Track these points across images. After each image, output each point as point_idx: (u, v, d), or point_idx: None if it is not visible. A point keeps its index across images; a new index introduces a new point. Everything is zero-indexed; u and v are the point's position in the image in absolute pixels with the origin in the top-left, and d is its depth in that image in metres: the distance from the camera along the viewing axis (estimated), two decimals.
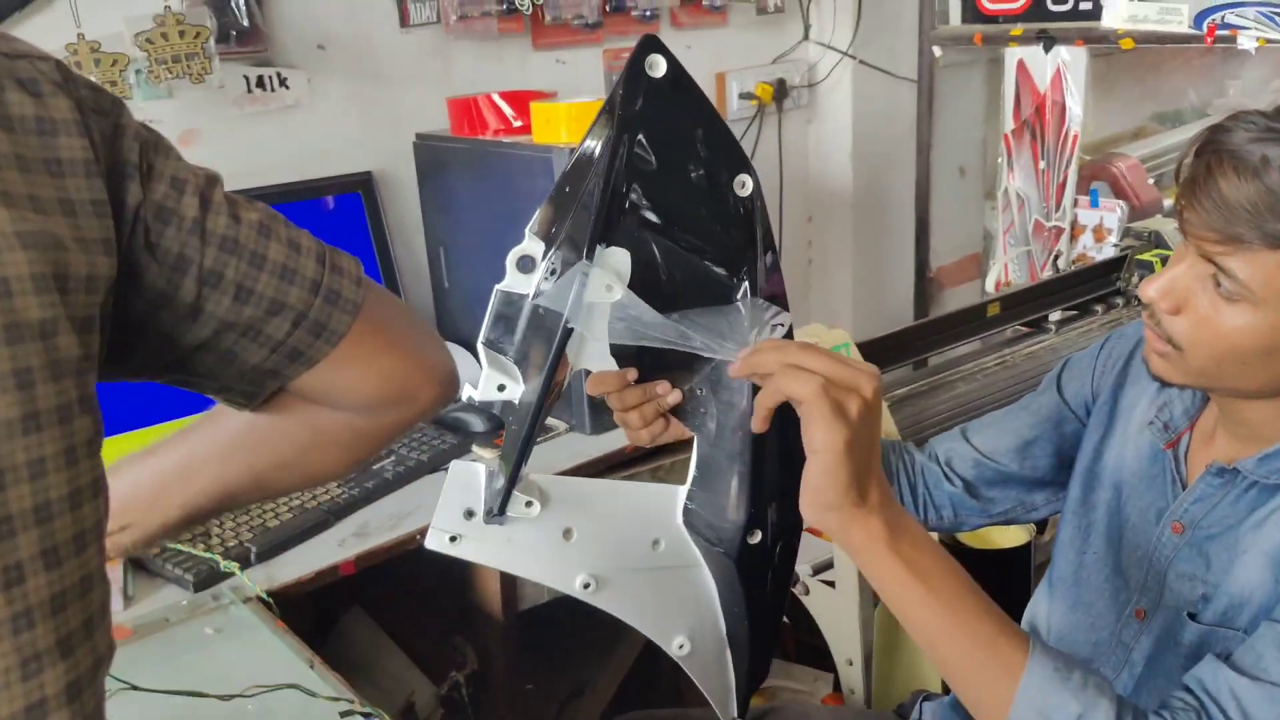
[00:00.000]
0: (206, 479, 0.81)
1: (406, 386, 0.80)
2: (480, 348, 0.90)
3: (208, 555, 1.40)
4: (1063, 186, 2.44)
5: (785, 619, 2.16)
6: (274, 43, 1.80)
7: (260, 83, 1.80)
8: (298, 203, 1.85)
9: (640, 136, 0.88)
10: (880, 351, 1.76)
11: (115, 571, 1.37)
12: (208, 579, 1.37)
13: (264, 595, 1.35)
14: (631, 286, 0.90)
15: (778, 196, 2.57)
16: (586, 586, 0.90)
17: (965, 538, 1.80)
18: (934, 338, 1.87)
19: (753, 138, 2.49)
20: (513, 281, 0.89)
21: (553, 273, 0.88)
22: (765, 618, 0.98)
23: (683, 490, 0.95)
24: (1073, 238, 2.44)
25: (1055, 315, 2.04)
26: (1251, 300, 0.90)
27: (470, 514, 0.89)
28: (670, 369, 0.98)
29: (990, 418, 1.27)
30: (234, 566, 1.38)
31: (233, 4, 1.68)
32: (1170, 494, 1.07)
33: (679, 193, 0.91)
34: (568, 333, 0.88)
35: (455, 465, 0.90)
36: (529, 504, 0.89)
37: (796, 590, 1.83)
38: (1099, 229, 2.40)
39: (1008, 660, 0.84)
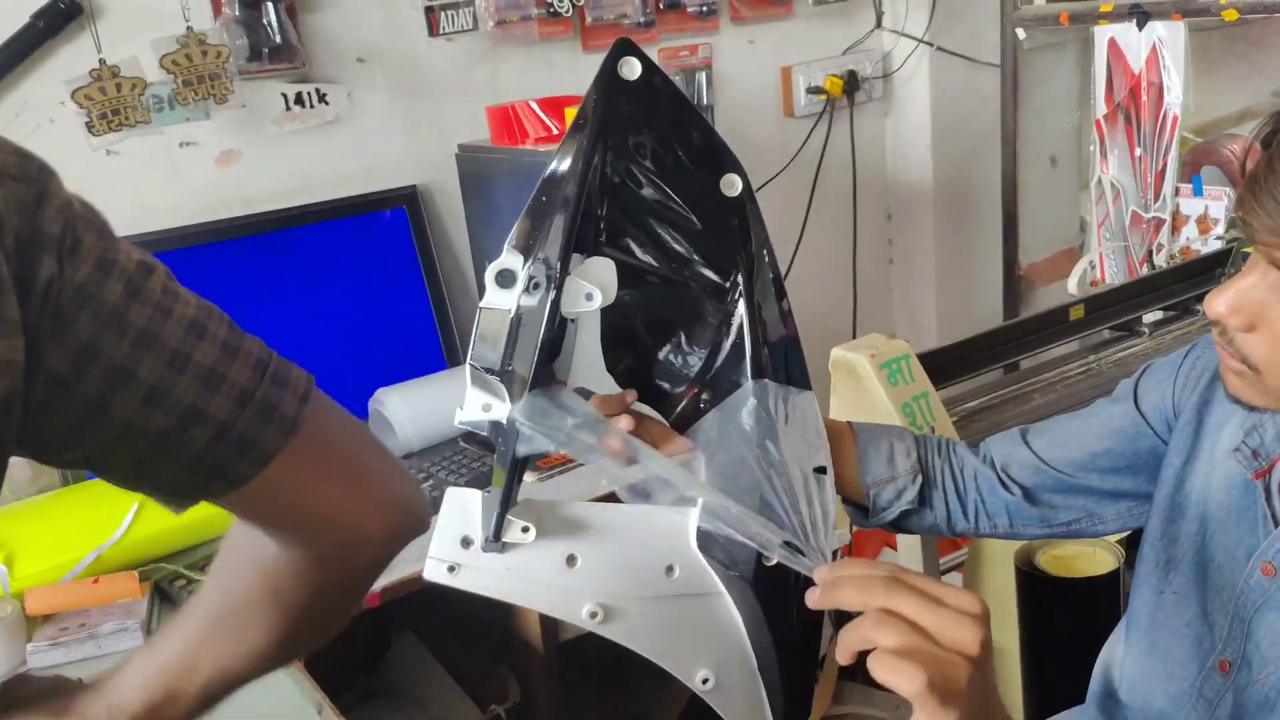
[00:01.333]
0: (205, 664, 0.76)
1: (352, 523, 0.71)
2: (467, 368, 0.88)
3: None
4: (1162, 174, 2.26)
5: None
6: (311, 58, 1.78)
7: (299, 99, 1.77)
8: (342, 219, 1.83)
9: (617, 141, 0.85)
10: (946, 363, 1.64)
11: (141, 605, 1.35)
12: None
13: None
14: (617, 297, 0.87)
15: (851, 194, 2.45)
16: (594, 616, 0.85)
17: (1047, 564, 1.67)
18: (1004, 347, 1.72)
19: (822, 134, 2.37)
20: (493, 298, 0.86)
21: (536, 286, 0.84)
22: (798, 649, 0.91)
23: (695, 512, 0.90)
24: (1174, 230, 2.25)
25: (1151, 316, 1.88)
26: None
27: (468, 542, 0.86)
28: (671, 381, 0.97)
29: (1055, 421, 1.14)
30: None
31: (265, 21, 1.66)
32: (1261, 531, 0.94)
33: (662, 197, 0.88)
34: (547, 347, 0.84)
35: (451, 492, 0.87)
36: (525, 529, 0.85)
37: None
38: (1203, 220, 2.21)
39: None
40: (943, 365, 1.62)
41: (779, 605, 0.89)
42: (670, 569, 0.88)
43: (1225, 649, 0.96)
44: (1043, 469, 1.10)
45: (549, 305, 0.83)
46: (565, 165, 0.85)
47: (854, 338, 2.06)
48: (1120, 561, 1.62)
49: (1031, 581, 1.63)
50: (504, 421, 0.86)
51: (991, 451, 1.13)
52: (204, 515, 1.45)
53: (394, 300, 1.86)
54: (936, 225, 2.56)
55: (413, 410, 1.61)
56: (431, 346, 1.82)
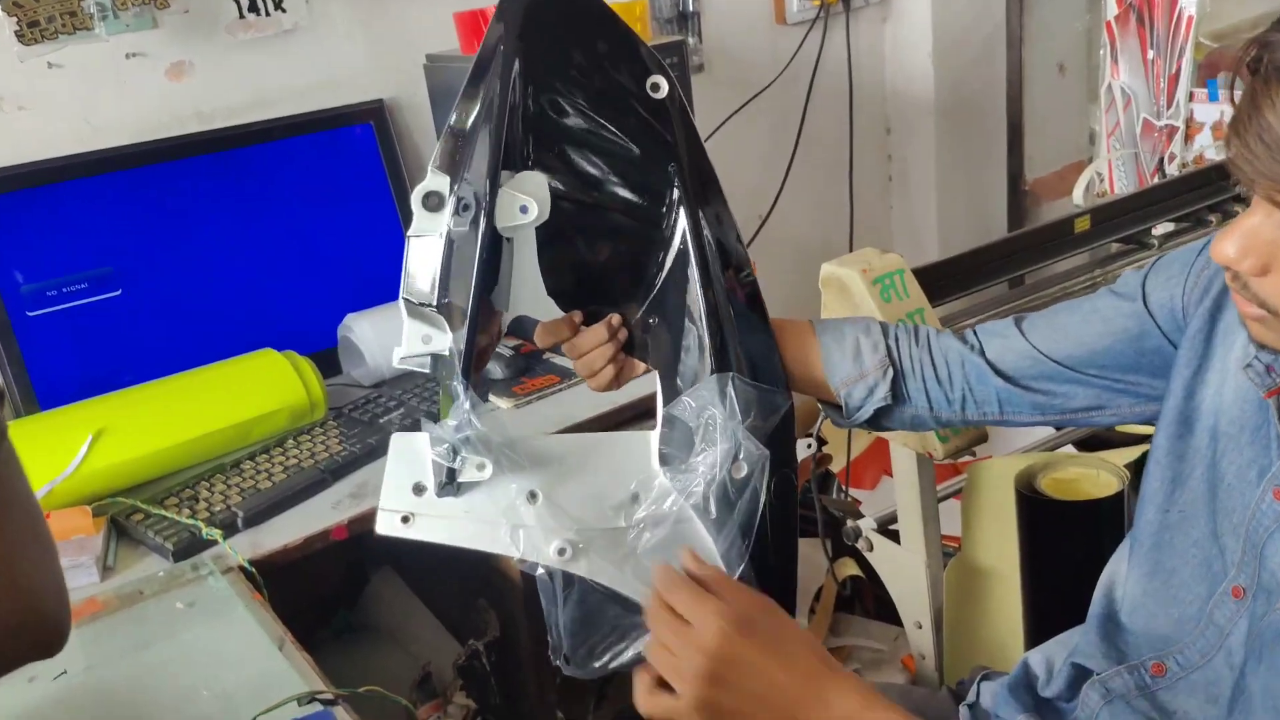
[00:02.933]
0: None
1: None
2: (400, 303, 0.86)
3: (190, 521, 1.33)
4: (1175, 79, 2.17)
5: (861, 573, 2.03)
6: None
7: (253, 7, 1.69)
8: (306, 136, 1.76)
9: (533, 53, 0.83)
10: (944, 278, 1.57)
11: (95, 540, 1.31)
12: (188, 548, 1.31)
13: (246, 564, 1.28)
14: (551, 219, 0.86)
15: (848, 107, 2.37)
16: (562, 553, 0.85)
17: (1049, 488, 1.63)
18: (1005, 261, 1.62)
19: (816, 42, 2.29)
20: (422, 224, 0.85)
21: (465, 208, 0.83)
22: (774, 571, 0.91)
23: (655, 434, 0.90)
24: (1188, 138, 2.18)
25: (1161, 228, 1.81)
26: None
27: (420, 489, 0.85)
28: (615, 302, 0.94)
29: (1053, 313, 1.07)
30: (217, 533, 1.31)
31: None
32: (1274, 451, 0.89)
33: (585, 105, 0.85)
34: (486, 270, 0.83)
35: (396, 438, 0.86)
36: (480, 466, 0.83)
37: (860, 545, 1.68)
38: (1219, 126, 2.13)
39: None
40: (941, 280, 1.53)
41: (748, 520, 0.88)
42: (635, 496, 0.86)
43: (1239, 574, 0.91)
44: (1041, 360, 1.05)
45: (483, 223, 0.81)
46: (484, 77, 0.83)
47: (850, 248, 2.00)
48: (1125, 484, 1.57)
49: (1032, 505, 1.58)
50: (446, 353, 0.85)
51: (981, 340, 1.07)
52: (162, 448, 1.42)
53: (362, 222, 1.80)
54: (938, 138, 2.48)
55: (383, 336, 1.56)
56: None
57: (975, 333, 1.07)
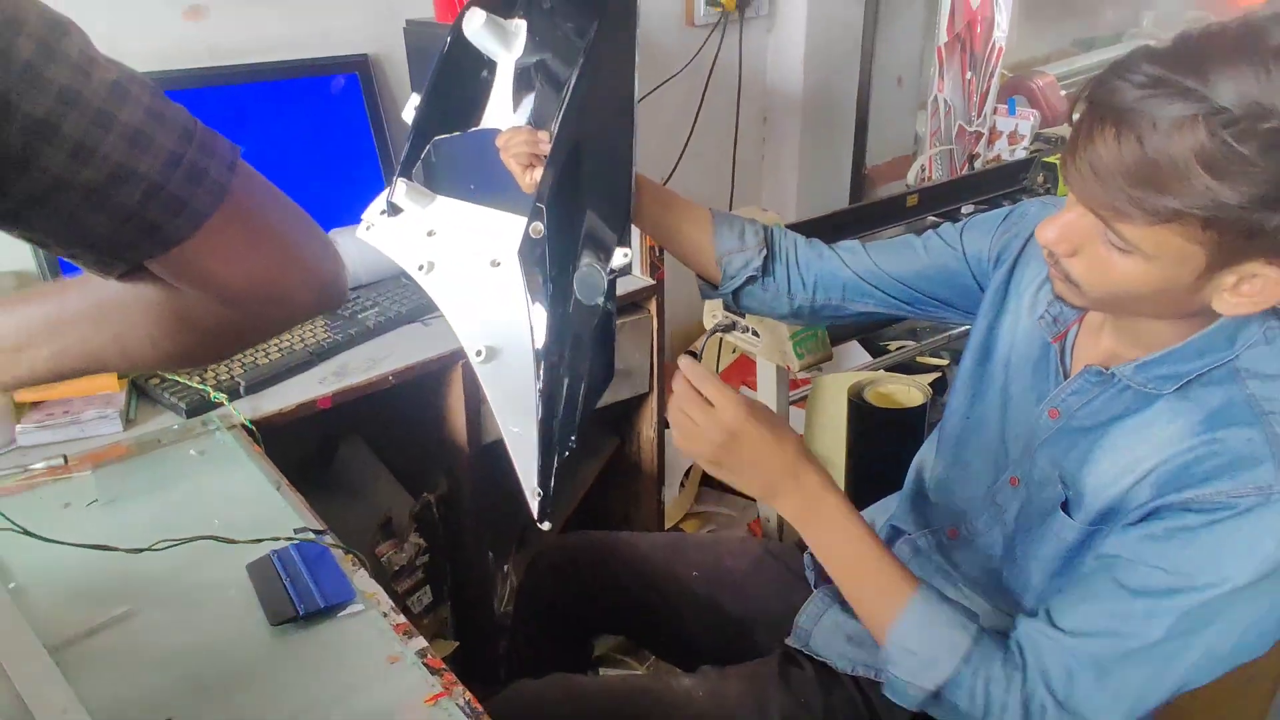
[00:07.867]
0: (73, 339, 0.64)
1: (277, 285, 0.62)
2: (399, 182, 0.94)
3: (200, 386, 1.28)
4: (985, 96, 2.24)
5: None
6: None
7: None
8: (296, 79, 1.67)
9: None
10: (810, 231, 1.60)
11: (119, 396, 1.26)
12: (199, 407, 1.26)
13: (247, 423, 1.24)
14: None
15: (736, 98, 2.37)
16: (421, 268, 0.90)
17: (873, 398, 1.70)
18: (855, 224, 1.70)
19: (715, 44, 2.27)
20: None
21: None
22: (580, 370, 0.83)
23: (527, 224, 0.84)
24: (990, 142, 2.26)
25: (968, 209, 1.89)
26: (1143, 255, 0.74)
27: (384, 210, 0.96)
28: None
29: (890, 244, 1.10)
30: (223, 397, 1.27)
31: None
32: (1052, 382, 0.95)
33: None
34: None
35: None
36: (411, 194, 0.94)
37: None
38: (1014, 135, 2.21)
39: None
40: (807, 232, 1.59)
41: (579, 329, 0.84)
42: (496, 262, 0.86)
43: (1015, 469, 0.97)
44: (879, 272, 1.10)
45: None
46: None
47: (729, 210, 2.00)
48: (927, 397, 1.66)
49: (860, 411, 1.67)
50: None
51: (837, 250, 1.13)
52: None
53: (346, 158, 1.72)
54: (802, 128, 2.51)
55: (361, 249, 1.49)
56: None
57: (832, 247, 1.13)
